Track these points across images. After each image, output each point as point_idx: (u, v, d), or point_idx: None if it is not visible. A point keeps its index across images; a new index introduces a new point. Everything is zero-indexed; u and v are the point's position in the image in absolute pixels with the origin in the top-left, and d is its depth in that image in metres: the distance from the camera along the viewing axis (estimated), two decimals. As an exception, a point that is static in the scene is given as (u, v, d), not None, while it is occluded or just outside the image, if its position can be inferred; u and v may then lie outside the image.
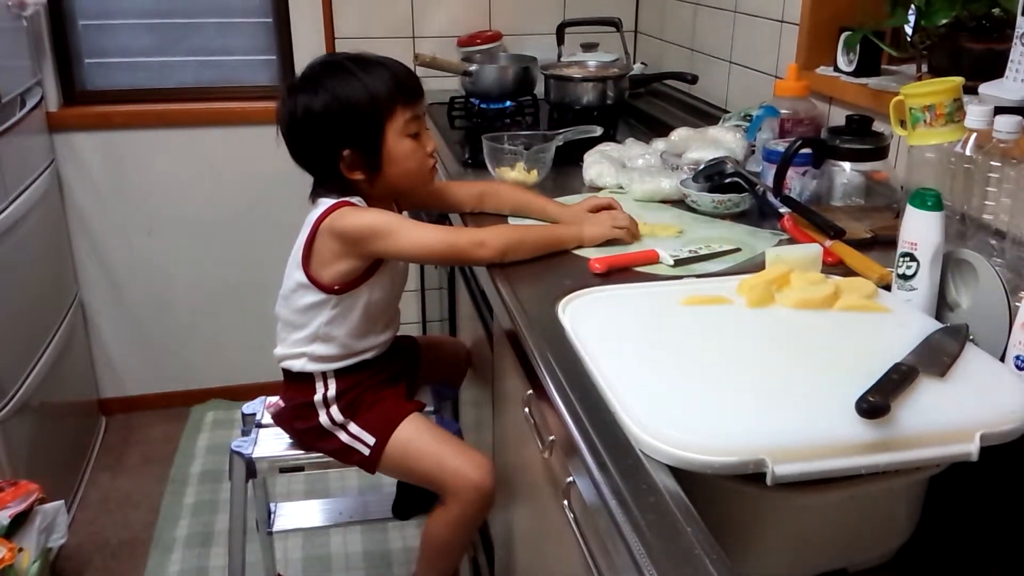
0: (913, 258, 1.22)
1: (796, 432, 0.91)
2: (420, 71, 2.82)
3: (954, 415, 0.94)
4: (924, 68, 1.66)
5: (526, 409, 1.21)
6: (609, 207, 1.61)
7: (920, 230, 1.21)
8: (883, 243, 1.48)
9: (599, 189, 1.81)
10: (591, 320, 1.20)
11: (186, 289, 3.06)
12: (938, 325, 1.15)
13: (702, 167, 1.69)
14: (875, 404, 0.89)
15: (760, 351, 1.10)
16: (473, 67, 2.40)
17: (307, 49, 2.81)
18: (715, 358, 1.08)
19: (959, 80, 1.29)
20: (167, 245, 2.99)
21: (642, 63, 2.68)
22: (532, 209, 1.65)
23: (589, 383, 1.06)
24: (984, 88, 1.46)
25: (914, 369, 0.99)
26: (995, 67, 1.54)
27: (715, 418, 0.94)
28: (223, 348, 3.14)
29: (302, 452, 1.70)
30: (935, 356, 1.04)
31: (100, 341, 3.06)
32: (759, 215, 1.66)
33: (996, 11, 1.56)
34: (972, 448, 0.91)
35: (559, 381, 1.08)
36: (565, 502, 1.05)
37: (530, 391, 1.19)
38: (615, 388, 1.01)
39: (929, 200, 1.19)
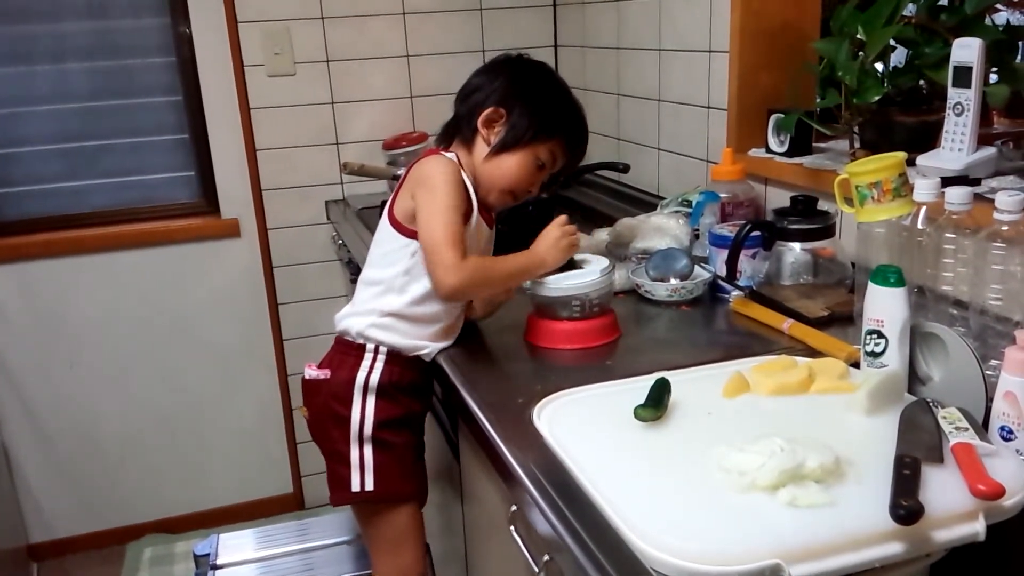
0: (881, 335, 1.21)
1: (805, 530, 0.88)
2: (347, 178, 2.83)
3: (955, 497, 0.92)
4: (857, 144, 1.70)
5: (511, 527, 1.15)
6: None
7: (885, 307, 1.20)
8: (840, 319, 1.48)
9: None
10: (571, 424, 1.16)
11: (113, 421, 2.94)
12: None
13: (652, 257, 1.69)
14: (911, 508, 0.87)
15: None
16: (400, 171, 2.36)
17: (228, 163, 2.79)
18: (703, 456, 1.04)
19: (902, 155, 1.30)
20: (91, 377, 2.88)
21: (570, 154, 2.71)
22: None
23: (580, 493, 1.01)
24: (922, 160, 1.49)
25: (917, 460, 0.97)
26: (926, 138, 1.58)
27: (719, 524, 0.91)
28: (156, 480, 3.02)
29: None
30: (923, 439, 1.02)
31: (25, 483, 2.90)
32: (711, 300, 1.66)
33: (922, 83, 1.61)
34: (979, 528, 0.90)
35: (548, 494, 1.03)
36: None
37: (515, 507, 1.13)
38: (611, 499, 0.97)
39: (892, 276, 1.19)
